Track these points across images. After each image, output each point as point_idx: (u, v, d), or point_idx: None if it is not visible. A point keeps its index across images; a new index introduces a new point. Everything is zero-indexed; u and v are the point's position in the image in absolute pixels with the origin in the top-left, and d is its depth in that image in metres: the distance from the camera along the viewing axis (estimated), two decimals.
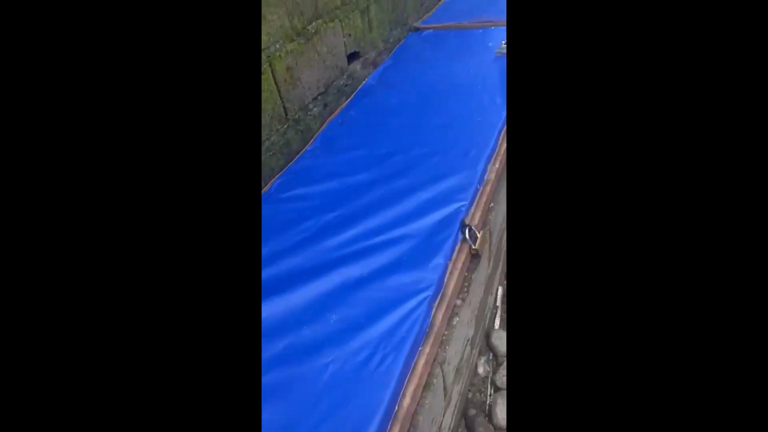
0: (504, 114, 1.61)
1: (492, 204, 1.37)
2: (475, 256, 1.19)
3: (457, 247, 1.14)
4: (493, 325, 1.94)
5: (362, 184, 1.43)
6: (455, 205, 1.23)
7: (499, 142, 1.52)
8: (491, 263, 1.51)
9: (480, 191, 1.32)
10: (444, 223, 1.19)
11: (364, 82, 2.07)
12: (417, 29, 2.53)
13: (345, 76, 1.97)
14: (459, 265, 1.11)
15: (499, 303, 2.04)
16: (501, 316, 2.00)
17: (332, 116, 1.87)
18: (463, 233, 1.16)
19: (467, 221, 1.20)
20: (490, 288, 1.65)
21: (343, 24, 1.87)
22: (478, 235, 1.19)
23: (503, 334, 1.88)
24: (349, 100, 1.96)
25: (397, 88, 1.97)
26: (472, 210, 1.26)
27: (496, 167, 1.43)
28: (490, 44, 2.17)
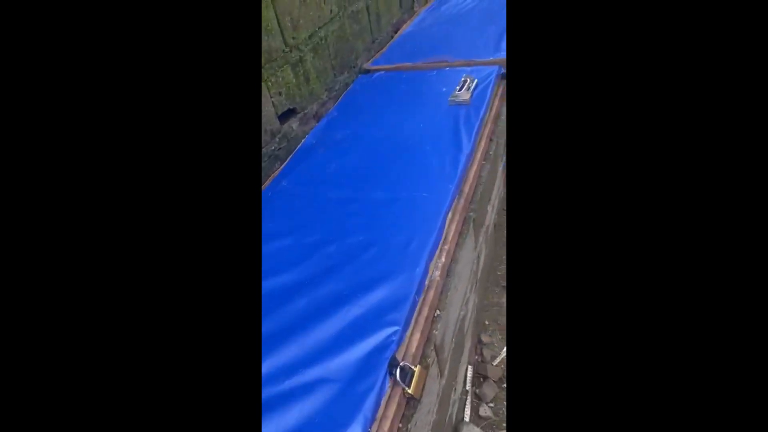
0: (452, 188, 1.38)
1: (438, 312, 1.13)
2: (411, 399, 0.95)
3: (384, 398, 0.89)
4: (463, 417, 1.69)
5: (282, 292, 1.18)
6: (386, 332, 0.99)
7: (446, 226, 1.28)
8: (447, 368, 1.26)
9: (420, 302, 1.08)
10: (370, 361, 0.94)
11: (303, 141, 1.83)
12: (367, 71, 2.30)
13: (277, 140, 1.73)
14: (387, 425, 0.87)
15: (469, 386, 1.79)
16: (472, 402, 1.75)
17: (262, 188, 1.63)
18: (393, 374, 0.92)
19: (399, 357, 0.95)
20: (452, 382, 1.41)
21: (270, 83, 1.63)
22: (415, 371, 0.95)
23: (474, 430, 1.63)
24: (283, 165, 1.72)
25: (339, 149, 1.74)
26: (408, 333, 1.01)
27: (442, 262, 1.19)
28: (444, 89, 1.95)
